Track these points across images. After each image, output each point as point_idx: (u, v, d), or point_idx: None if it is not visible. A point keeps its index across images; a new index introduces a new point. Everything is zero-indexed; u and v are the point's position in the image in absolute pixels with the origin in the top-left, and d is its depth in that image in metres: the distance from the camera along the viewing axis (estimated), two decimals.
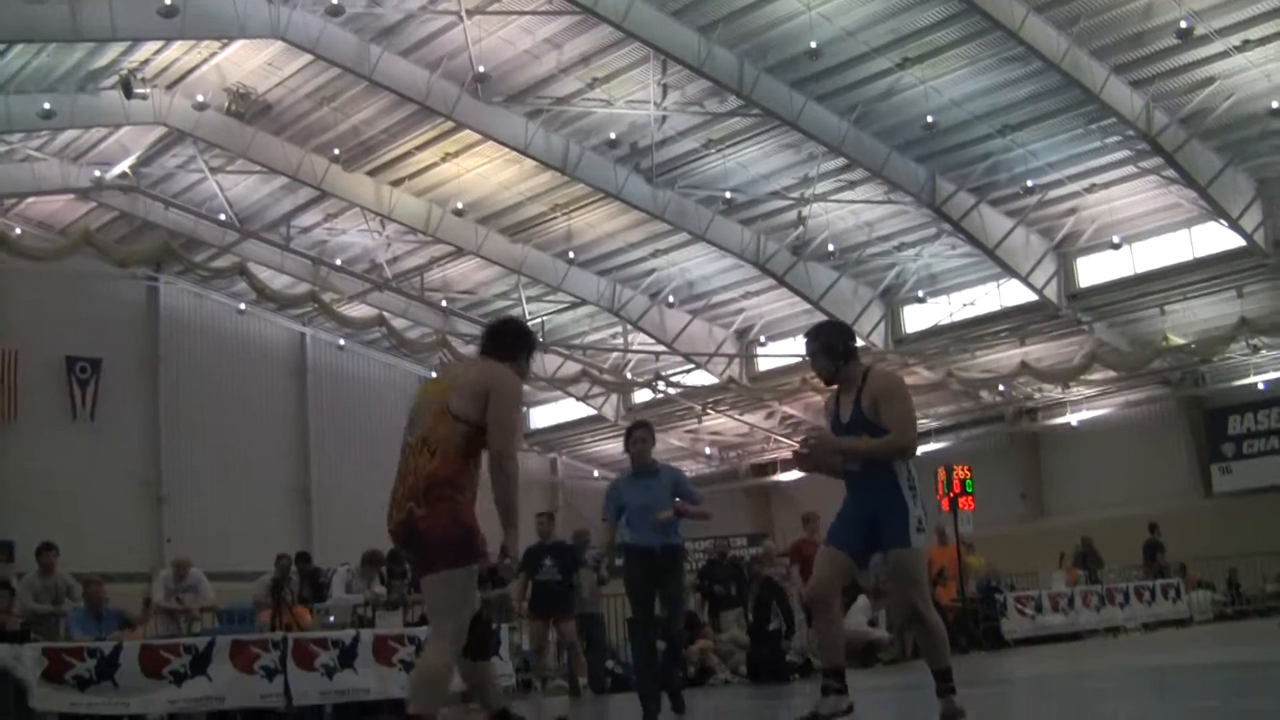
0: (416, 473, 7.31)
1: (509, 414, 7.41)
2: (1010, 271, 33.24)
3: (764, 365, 40.55)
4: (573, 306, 39.18)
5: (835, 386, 8.85)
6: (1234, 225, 30.12)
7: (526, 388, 40.11)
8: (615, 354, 41.06)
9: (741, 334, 40.10)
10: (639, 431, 11.98)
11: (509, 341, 7.89)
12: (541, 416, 46.24)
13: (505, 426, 7.36)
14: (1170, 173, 29.46)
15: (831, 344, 8.70)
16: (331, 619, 17.82)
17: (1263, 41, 25.71)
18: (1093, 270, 34.01)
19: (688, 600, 12.20)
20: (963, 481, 23.83)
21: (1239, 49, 25.95)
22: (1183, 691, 11.19)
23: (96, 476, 34.40)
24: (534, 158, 31.09)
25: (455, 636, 7.12)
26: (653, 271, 37.16)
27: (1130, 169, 30.52)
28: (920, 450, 34.56)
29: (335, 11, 26.03)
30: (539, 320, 39.48)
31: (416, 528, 7.18)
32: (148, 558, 32.97)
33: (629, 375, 41.34)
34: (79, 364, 35.80)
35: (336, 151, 31.90)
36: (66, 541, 18.45)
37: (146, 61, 28.74)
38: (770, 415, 42.18)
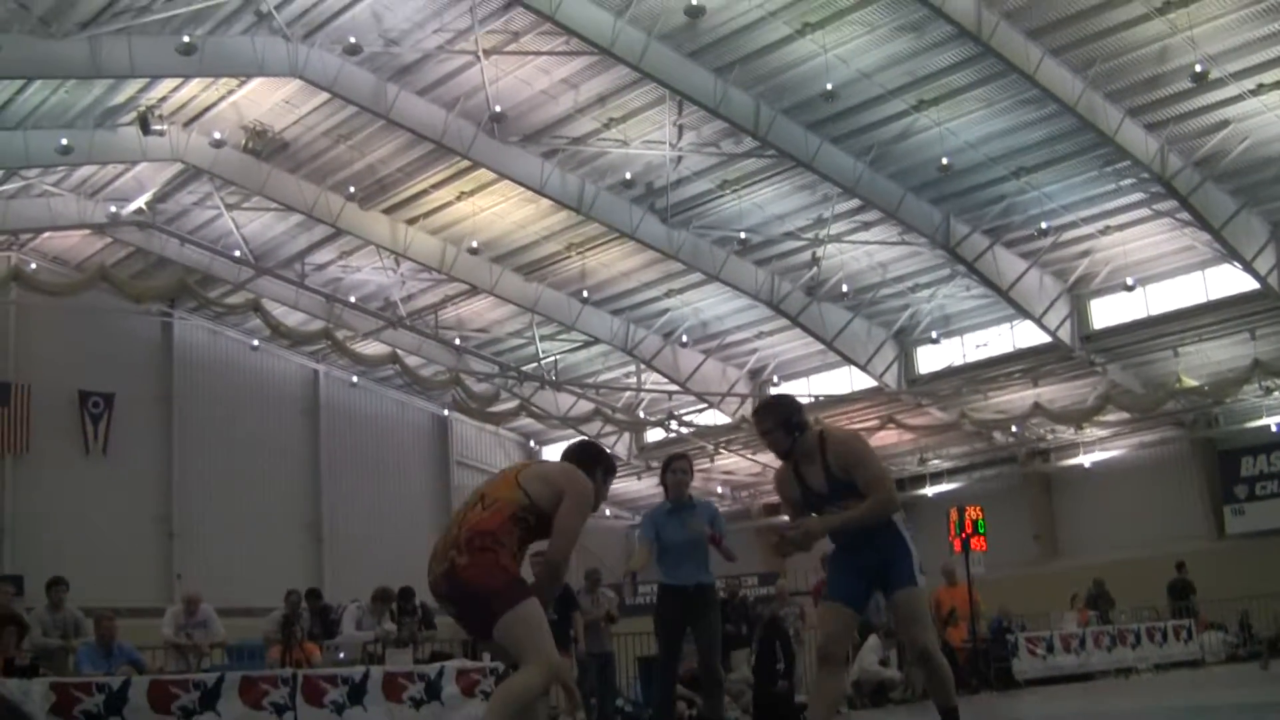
0: (463, 524, 7.27)
1: (576, 519, 7.35)
2: (1024, 313, 33.23)
3: None
4: (586, 345, 39.22)
5: (789, 459, 8.70)
6: (1248, 268, 30.09)
7: (540, 426, 40.17)
8: (628, 393, 41.08)
9: (755, 374, 40.08)
10: (679, 463, 11.75)
11: (589, 458, 7.85)
12: (554, 455, 46.11)
13: (568, 532, 7.31)
14: (1184, 215, 29.47)
15: (787, 418, 8.58)
16: (341, 656, 17.79)
17: (1277, 85, 25.72)
18: (1106, 312, 33.98)
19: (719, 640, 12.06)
20: (975, 522, 23.72)
21: (1254, 93, 25.99)
22: None
23: (108, 511, 34.47)
24: (549, 197, 31.17)
25: (550, 662, 7.02)
26: (666, 311, 37.19)
27: (1144, 211, 30.54)
28: (932, 491, 34.66)
29: (353, 50, 26.17)
30: (552, 359, 39.56)
31: (459, 577, 7.07)
32: (158, 593, 32.96)
33: (642, 414, 41.37)
34: (92, 398, 35.87)
35: (352, 189, 32.02)
36: (76, 576, 18.47)
37: (164, 98, 28.86)
38: None
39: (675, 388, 39.28)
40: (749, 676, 20.26)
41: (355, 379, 41.66)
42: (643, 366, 39.05)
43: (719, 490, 44.18)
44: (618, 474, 8.33)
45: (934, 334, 35.82)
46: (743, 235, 32.30)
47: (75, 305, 33.34)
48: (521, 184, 30.81)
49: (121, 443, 36.21)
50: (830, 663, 8.71)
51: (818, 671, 8.87)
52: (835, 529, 8.49)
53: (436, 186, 32.19)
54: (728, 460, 42.52)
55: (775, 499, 43.71)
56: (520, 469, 7.59)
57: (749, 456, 42.01)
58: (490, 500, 7.33)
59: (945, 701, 8.56)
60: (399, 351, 37.92)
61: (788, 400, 8.92)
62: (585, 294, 36.31)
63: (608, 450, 8.32)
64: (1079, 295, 33.82)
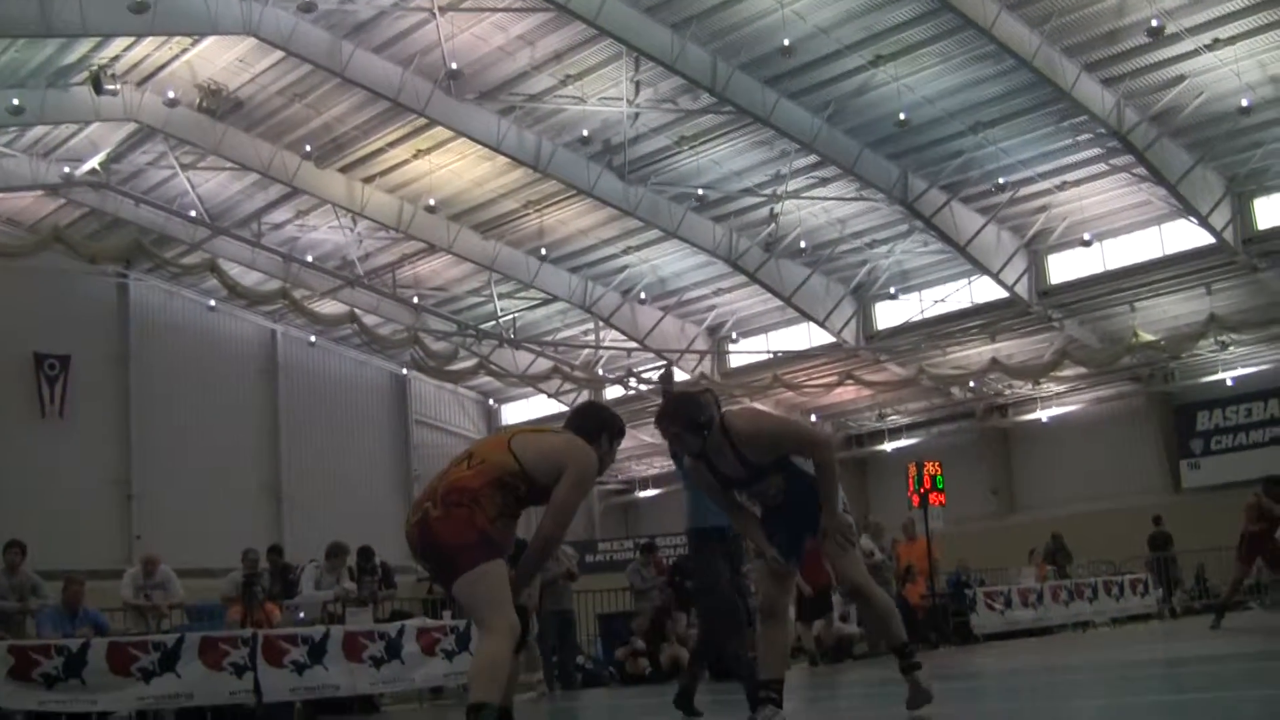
0: (444, 478, 7.15)
1: (574, 496, 7.17)
2: (981, 268, 33.34)
3: (735, 362, 40.59)
4: (544, 303, 39.19)
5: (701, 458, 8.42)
6: (1203, 222, 30.25)
7: (498, 384, 40.03)
8: (587, 351, 41.05)
9: (713, 331, 40.12)
10: (704, 396, 11.01)
11: (592, 425, 7.61)
12: (513, 413, 46.24)
13: (565, 509, 7.15)
14: (1141, 170, 29.60)
15: (693, 419, 8.25)
16: (301, 616, 17.77)
17: (1232, 40, 25.84)
18: (1063, 267, 34.14)
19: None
20: (934, 478, 23.84)
21: (1209, 48, 26.07)
22: (1151, 685, 11.22)
23: (65, 474, 34.26)
24: (506, 154, 31.07)
25: (507, 627, 6.88)
26: (625, 268, 37.16)
27: (1101, 166, 30.65)
28: (891, 446, 34.81)
29: (307, 8, 25.95)
30: (511, 316, 39.49)
31: (430, 529, 6.96)
32: (117, 555, 32.80)
33: (600, 372, 41.32)
34: (48, 361, 35.64)
35: (308, 148, 31.82)
36: (34, 539, 18.32)
37: (117, 58, 28.63)
38: None
39: (634, 345, 39.26)
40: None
41: (313, 338, 41.48)
42: (601, 324, 39.03)
43: None
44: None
45: (892, 290, 35.96)
46: (700, 192, 32.31)
47: (29, 267, 33.03)
48: (478, 141, 30.72)
49: (78, 405, 36.02)
50: (772, 616, 8.58)
51: (760, 626, 8.75)
52: (835, 504, 8.25)
53: (393, 144, 32.05)
54: None
55: None
56: (515, 433, 7.40)
57: None
58: (477, 460, 7.17)
59: (893, 639, 8.47)
60: (357, 310, 37.79)
61: (690, 399, 8.56)
62: (543, 251, 36.24)
63: (614, 413, 8.06)
64: (1036, 250, 33.95)
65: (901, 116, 28.01)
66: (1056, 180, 31.36)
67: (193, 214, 33.99)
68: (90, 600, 17.13)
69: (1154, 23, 24.62)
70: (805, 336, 38.67)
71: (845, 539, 8.37)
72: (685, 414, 8.34)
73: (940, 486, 23.98)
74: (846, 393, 38.69)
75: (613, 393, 42.78)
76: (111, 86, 28.33)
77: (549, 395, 42.41)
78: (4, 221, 35.19)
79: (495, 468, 7.10)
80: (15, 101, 28.00)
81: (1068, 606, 26.03)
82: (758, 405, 35.28)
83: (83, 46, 27.98)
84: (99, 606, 17.34)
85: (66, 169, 32.35)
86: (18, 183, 32.80)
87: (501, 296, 38.36)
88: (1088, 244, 32.17)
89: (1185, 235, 31.89)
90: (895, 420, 40.77)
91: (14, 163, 32.11)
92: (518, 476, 7.11)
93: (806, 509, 8.33)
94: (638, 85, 29.13)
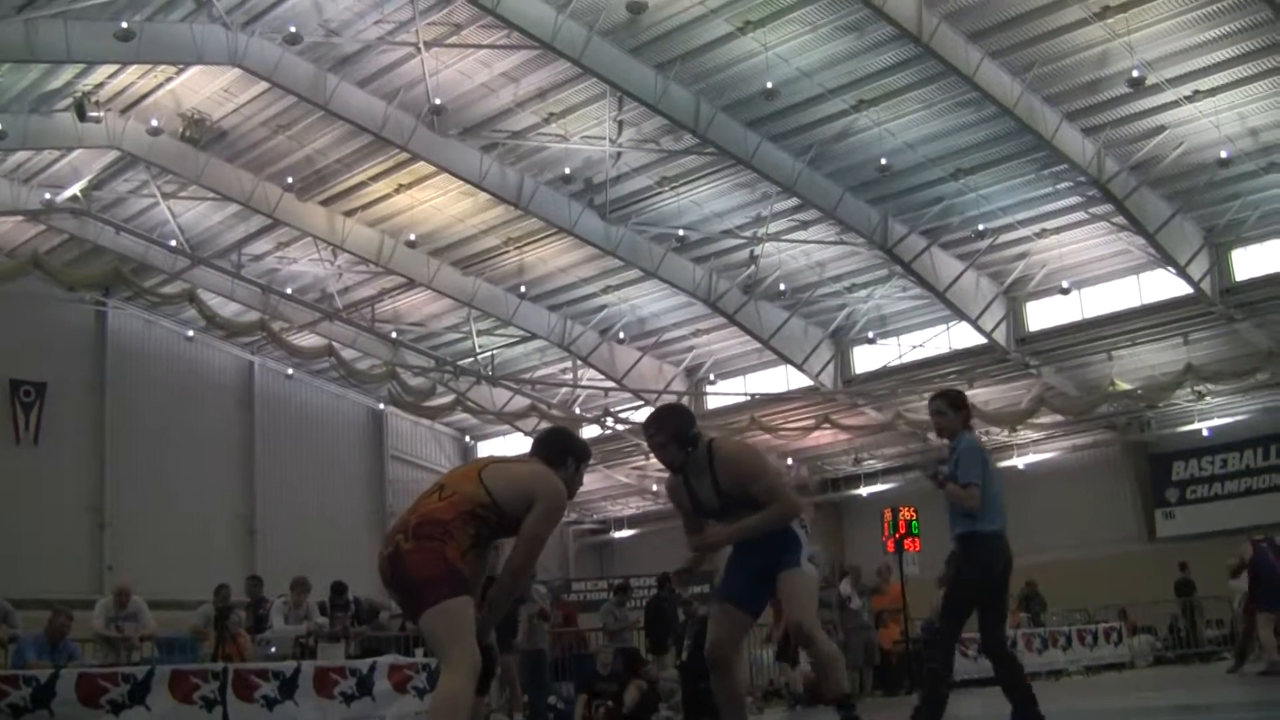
0: (415, 510, 7.10)
1: (543, 528, 7.17)
2: (960, 314, 33.39)
3: (713, 403, 40.52)
4: (523, 341, 39.12)
5: (680, 473, 8.47)
6: (1181, 273, 30.35)
7: (475, 421, 39.84)
8: (564, 389, 41.01)
9: (691, 371, 40.11)
10: (934, 402, 9.95)
11: (557, 450, 7.63)
12: (489, 450, 46.10)
13: (535, 541, 7.16)
14: (1120, 219, 29.68)
15: (681, 432, 8.31)
16: (273, 650, 17.68)
17: (1212, 92, 25.97)
18: (1041, 315, 34.20)
19: (955, 605, 9.99)
20: (908, 523, 23.80)
21: (1189, 99, 26.19)
22: None
23: (38, 501, 34.03)
24: (488, 191, 31.08)
25: (468, 663, 6.80)
26: (604, 307, 37.16)
27: (1080, 215, 30.74)
28: (867, 491, 34.58)
29: (293, 40, 25.97)
30: (489, 353, 39.45)
31: (401, 562, 6.91)
32: (89, 585, 32.63)
33: (578, 410, 41.28)
34: (23, 387, 35.46)
35: (290, 180, 31.79)
36: (5, 566, 18.28)
37: (101, 85, 28.59)
38: None
39: (611, 384, 39.23)
40: (676, 675, 20.26)
41: (290, 371, 41.40)
42: (579, 363, 38.99)
43: (653, 488, 44.17)
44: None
45: (870, 334, 36.02)
46: (681, 232, 32.31)
47: (7, 292, 32.88)
48: (460, 177, 30.72)
49: (53, 432, 35.82)
50: (723, 667, 8.48)
51: (712, 677, 8.54)
52: (736, 539, 8.30)
53: (375, 178, 32.03)
54: None
55: None
56: (485, 464, 7.36)
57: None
58: (449, 491, 7.13)
59: (834, 689, 8.41)
60: (335, 344, 37.68)
61: (681, 411, 8.67)
62: (523, 289, 36.24)
63: (579, 437, 8.09)
64: (1015, 297, 34.01)
65: (883, 161, 28.10)
66: (1036, 228, 31.45)
67: (173, 243, 33.84)
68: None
69: (1135, 73, 24.72)
70: (783, 379, 38.68)
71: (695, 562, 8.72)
72: (674, 424, 8.38)
73: (915, 532, 23.94)
74: (823, 436, 38.69)
75: (590, 431, 42.75)
76: (95, 113, 28.28)
77: (526, 433, 42.32)
78: None
79: (466, 499, 7.07)
80: None
81: (1041, 654, 26.02)
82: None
83: (67, 73, 27.94)
84: (69, 636, 17.26)
85: (47, 195, 32.20)
86: None
87: (480, 333, 38.33)
88: (1066, 292, 32.26)
89: (1163, 285, 32.00)
90: (871, 465, 40.74)
91: None
92: (489, 508, 7.08)
93: (773, 559, 8.29)
94: (620, 125, 29.19)
